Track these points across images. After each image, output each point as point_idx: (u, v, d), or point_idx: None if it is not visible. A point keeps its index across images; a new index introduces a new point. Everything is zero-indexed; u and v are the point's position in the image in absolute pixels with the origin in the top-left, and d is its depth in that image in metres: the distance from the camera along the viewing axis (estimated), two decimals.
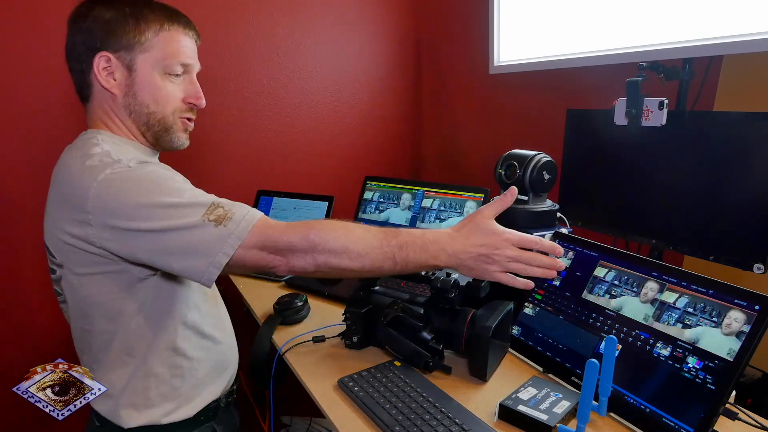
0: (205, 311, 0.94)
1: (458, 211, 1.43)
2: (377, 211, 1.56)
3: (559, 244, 1.01)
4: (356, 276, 0.82)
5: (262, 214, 0.78)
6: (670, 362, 0.76)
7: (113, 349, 0.85)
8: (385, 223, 1.54)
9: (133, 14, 0.83)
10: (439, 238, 0.81)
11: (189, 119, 0.92)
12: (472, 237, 0.81)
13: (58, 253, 0.81)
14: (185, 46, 0.87)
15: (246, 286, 1.35)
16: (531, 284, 0.83)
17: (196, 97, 0.90)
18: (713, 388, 0.70)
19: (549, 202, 1.12)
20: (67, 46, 0.85)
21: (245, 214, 0.75)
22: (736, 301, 0.72)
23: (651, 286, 0.83)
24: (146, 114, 0.87)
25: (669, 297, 0.80)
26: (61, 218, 0.78)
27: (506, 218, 1.09)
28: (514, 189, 0.86)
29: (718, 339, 0.72)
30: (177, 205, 0.74)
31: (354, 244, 0.77)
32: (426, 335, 0.91)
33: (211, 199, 0.76)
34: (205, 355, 0.93)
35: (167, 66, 0.85)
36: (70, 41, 0.84)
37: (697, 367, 0.73)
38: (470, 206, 1.41)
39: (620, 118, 1.10)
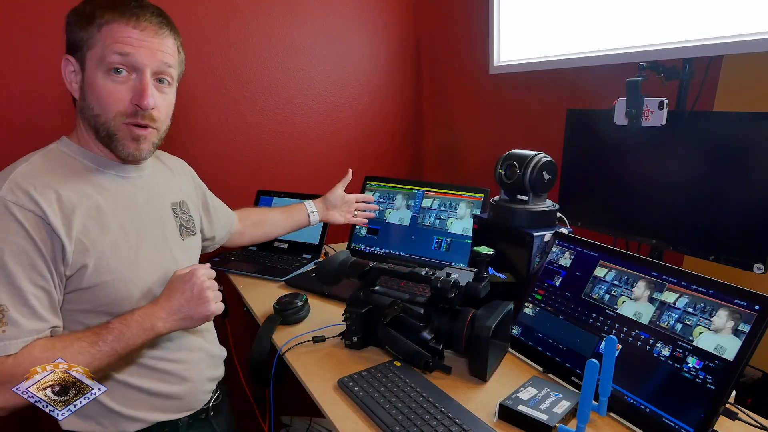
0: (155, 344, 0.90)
1: (457, 211, 1.43)
2: (377, 211, 1.56)
3: (558, 244, 1.02)
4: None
5: (16, 351, 0.72)
6: (670, 362, 0.76)
7: None
8: (384, 223, 1.54)
9: (85, 11, 0.80)
10: (147, 312, 0.82)
11: (138, 125, 0.83)
12: (168, 292, 0.86)
13: None
14: (129, 38, 0.79)
15: (246, 286, 1.35)
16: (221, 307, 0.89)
17: (140, 96, 0.80)
18: (713, 388, 0.70)
19: (549, 202, 1.12)
20: None
21: (9, 341, 0.72)
22: (736, 301, 0.72)
23: (651, 286, 0.83)
24: (92, 117, 0.82)
25: (669, 297, 0.80)
26: None
27: (507, 219, 1.09)
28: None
29: (718, 339, 0.72)
30: None
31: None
32: (426, 335, 0.91)
33: (3, 301, 0.72)
34: (139, 381, 0.89)
35: (105, 61, 0.79)
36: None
37: (697, 367, 0.73)
38: (469, 206, 1.41)
39: (620, 118, 1.10)
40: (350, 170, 1.43)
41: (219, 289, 0.90)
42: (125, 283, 0.84)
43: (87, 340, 0.76)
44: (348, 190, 1.43)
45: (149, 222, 0.92)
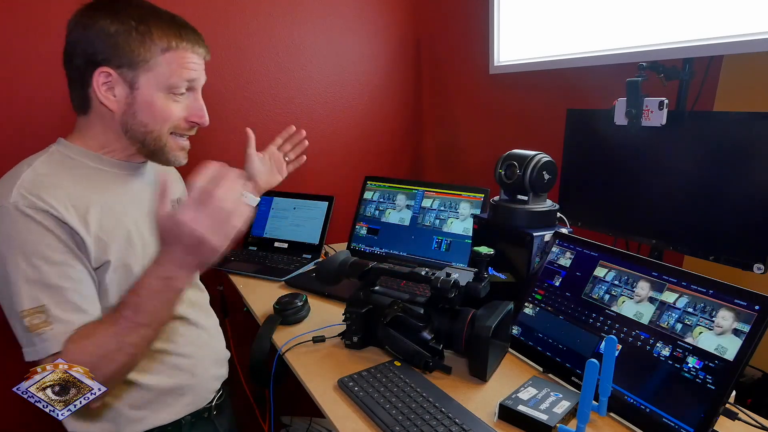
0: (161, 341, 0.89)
1: (457, 211, 1.43)
2: (377, 211, 1.56)
3: (558, 244, 1.02)
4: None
5: (76, 332, 0.73)
6: (670, 362, 0.76)
7: None
8: (384, 223, 1.54)
9: (139, 29, 0.78)
10: (155, 273, 0.70)
11: (182, 135, 0.88)
12: (167, 243, 0.70)
13: None
14: (192, 63, 0.84)
15: (246, 286, 1.35)
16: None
17: (199, 116, 0.87)
18: (713, 388, 0.70)
19: (549, 202, 1.12)
20: (65, 51, 0.81)
21: (56, 334, 0.72)
22: (736, 301, 0.72)
23: (651, 286, 0.83)
24: (143, 133, 0.84)
25: (669, 297, 0.80)
26: None
27: (507, 219, 1.09)
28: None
29: (718, 339, 0.72)
30: (12, 282, 0.73)
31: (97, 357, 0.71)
32: (426, 335, 0.91)
33: (43, 300, 0.73)
34: (147, 380, 0.88)
35: (172, 86, 0.82)
36: (70, 48, 0.80)
37: (697, 367, 0.73)
38: (469, 206, 1.41)
39: (620, 118, 1.10)
40: (249, 130, 1.25)
41: (241, 195, 0.69)
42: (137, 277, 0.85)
43: (108, 322, 0.75)
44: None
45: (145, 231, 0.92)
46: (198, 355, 0.97)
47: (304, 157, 1.33)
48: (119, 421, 0.87)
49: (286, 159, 1.31)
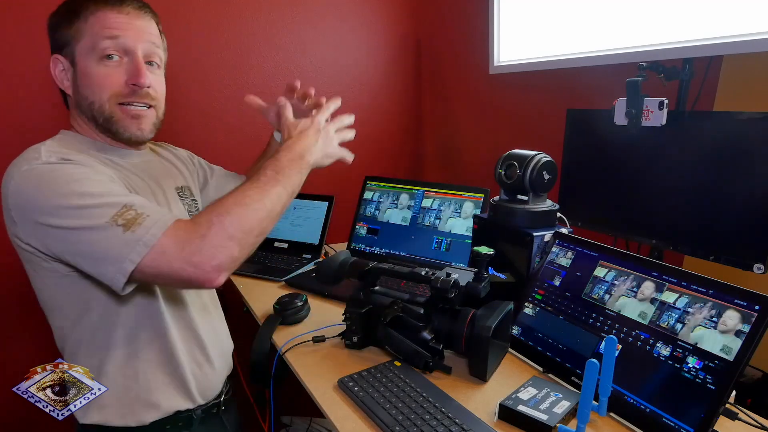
0: (182, 322, 0.91)
1: (458, 211, 1.43)
2: (377, 211, 1.56)
3: (558, 244, 1.02)
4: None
5: (178, 218, 0.73)
6: (670, 362, 0.76)
7: (69, 345, 0.85)
8: (385, 223, 1.54)
9: (67, 9, 0.83)
10: (288, 146, 0.84)
11: (131, 104, 0.85)
12: (298, 130, 0.88)
13: (19, 253, 0.81)
14: (116, 22, 0.82)
15: (246, 286, 1.35)
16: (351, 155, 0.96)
17: (136, 75, 0.83)
18: (713, 388, 0.70)
19: (549, 202, 1.12)
20: None
21: (157, 219, 0.70)
22: (736, 301, 0.72)
23: (651, 286, 0.83)
24: (88, 106, 0.84)
25: (669, 297, 0.80)
26: (5, 219, 0.78)
27: (507, 219, 1.09)
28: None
29: (718, 339, 0.72)
30: (86, 206, 0.70)
31: (256, 204, 0.75)
32: (426, 335, 0.91)
33: (124, 201, 0.72)
34: (162, 358, 0.88)
35: (97, 48, 0.81)
36: None
37: (697, 367, 0.73)
38: (469, 206, 1.41)
39: (620, 118, 1.10)
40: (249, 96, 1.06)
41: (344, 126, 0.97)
42: None
43: (248, 181, 0.79)
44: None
45: (162, 202, 0.94)
46: (211, 343, 0.97)
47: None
48: (133, 406, 0.87)
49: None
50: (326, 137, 0.90)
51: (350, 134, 0.96)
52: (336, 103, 0.95)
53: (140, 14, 0.85)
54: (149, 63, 0.87)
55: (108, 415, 0.86)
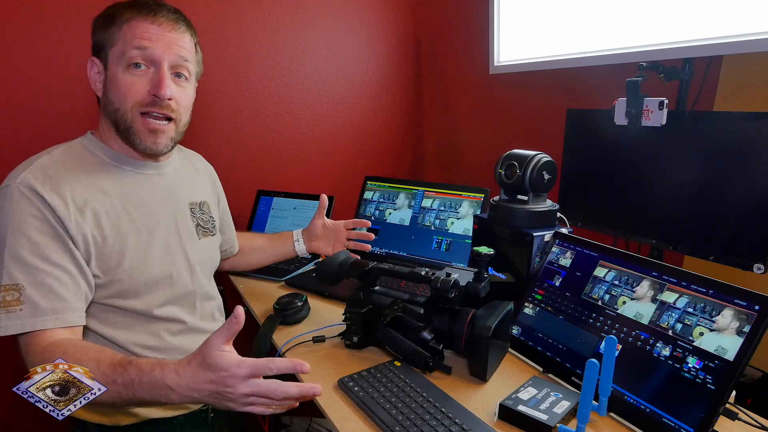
0: (154, 340, 0.90)
1: (457, 211, 1.43)
2: (377, 211, 1.56)
3: (558, 244, 1.01)
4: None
5: (50, 327, 0.75)
6: (670, 362, 0.76)
7: None
8: (384, 223, 1.54)
9: (108, 14, 0.85)
10: (166, 376, 0.69)
11: (152, 116, 0.85)
12: (199, 373, 0.68)
13: None
14: (147, 33, 0.83)
15: (246, 286, 1.35)
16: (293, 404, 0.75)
17: (157, 86, 0.84)
18: (713, 388, 0.70)
19: (549, 202, 1.12)
20: None
21: (26, 319, 0.74)
22: (736, 301, 0.72)
23: (651, 286, 0.83)
24: (113, 112, 0.86)
25: (669, 297, 0.80)
26: None
27: (507, 219, 1.09)
28: (240, 310, 0.69)
29: (718, 339, 0.72)
30: (2, 256, 0.75)
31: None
32: (426, 335, 0.91)
33: (18, 280, 0.75)
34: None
35: (126, 56, 0.83)
36: None
37: (697, 367, 0.73)
38: (469, 206, 1.41)
39: (620, 118, 1.10)
40: (324, 196, 1.25)
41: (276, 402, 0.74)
42: (131, 277, 0.86)
43: (104, 366, 0.72)
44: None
45: (163, 219, 0.94)
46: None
47: (368, 247, 1.25)
48: (110, 411, 0.88)
49: (347, 242, 1.26)
50: (227, 402, 0.72)
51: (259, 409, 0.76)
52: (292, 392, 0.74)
53: (173, 26, 0.86)
54: (177, 74, 0.88)
55: (88, 414, 0.87)
